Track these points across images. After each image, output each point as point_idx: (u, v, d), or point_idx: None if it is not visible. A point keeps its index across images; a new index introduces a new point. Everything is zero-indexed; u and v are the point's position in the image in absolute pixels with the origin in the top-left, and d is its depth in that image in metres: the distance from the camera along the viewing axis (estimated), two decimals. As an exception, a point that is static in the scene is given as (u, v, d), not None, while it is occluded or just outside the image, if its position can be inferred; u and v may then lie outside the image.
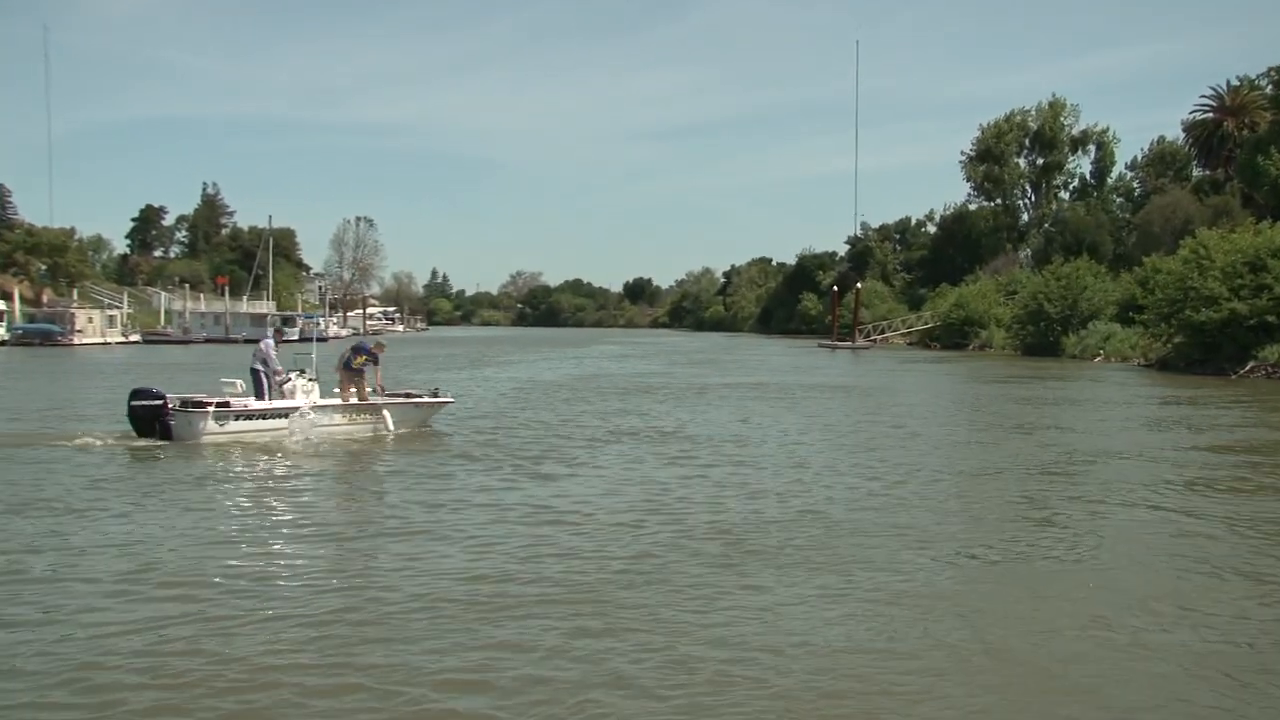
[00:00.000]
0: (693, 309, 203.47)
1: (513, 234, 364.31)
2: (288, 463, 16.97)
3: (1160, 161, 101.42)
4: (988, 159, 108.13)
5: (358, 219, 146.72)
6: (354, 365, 21.06)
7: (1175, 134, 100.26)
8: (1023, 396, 32.44)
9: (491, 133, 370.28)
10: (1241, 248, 45.61)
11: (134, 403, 19.04)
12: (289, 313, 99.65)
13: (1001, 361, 59.98)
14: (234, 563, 10.08)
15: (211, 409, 18.84)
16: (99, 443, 18.48)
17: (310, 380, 20.63)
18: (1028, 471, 16.53)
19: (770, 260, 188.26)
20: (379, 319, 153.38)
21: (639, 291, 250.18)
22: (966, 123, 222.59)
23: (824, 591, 9.31)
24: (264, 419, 19.55)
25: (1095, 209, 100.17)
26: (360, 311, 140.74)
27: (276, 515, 12.57)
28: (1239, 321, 43.53)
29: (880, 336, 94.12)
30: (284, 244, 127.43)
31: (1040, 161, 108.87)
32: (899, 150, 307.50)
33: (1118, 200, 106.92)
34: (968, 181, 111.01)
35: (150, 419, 18.84)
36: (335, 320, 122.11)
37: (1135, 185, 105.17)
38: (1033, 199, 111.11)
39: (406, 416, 21.45)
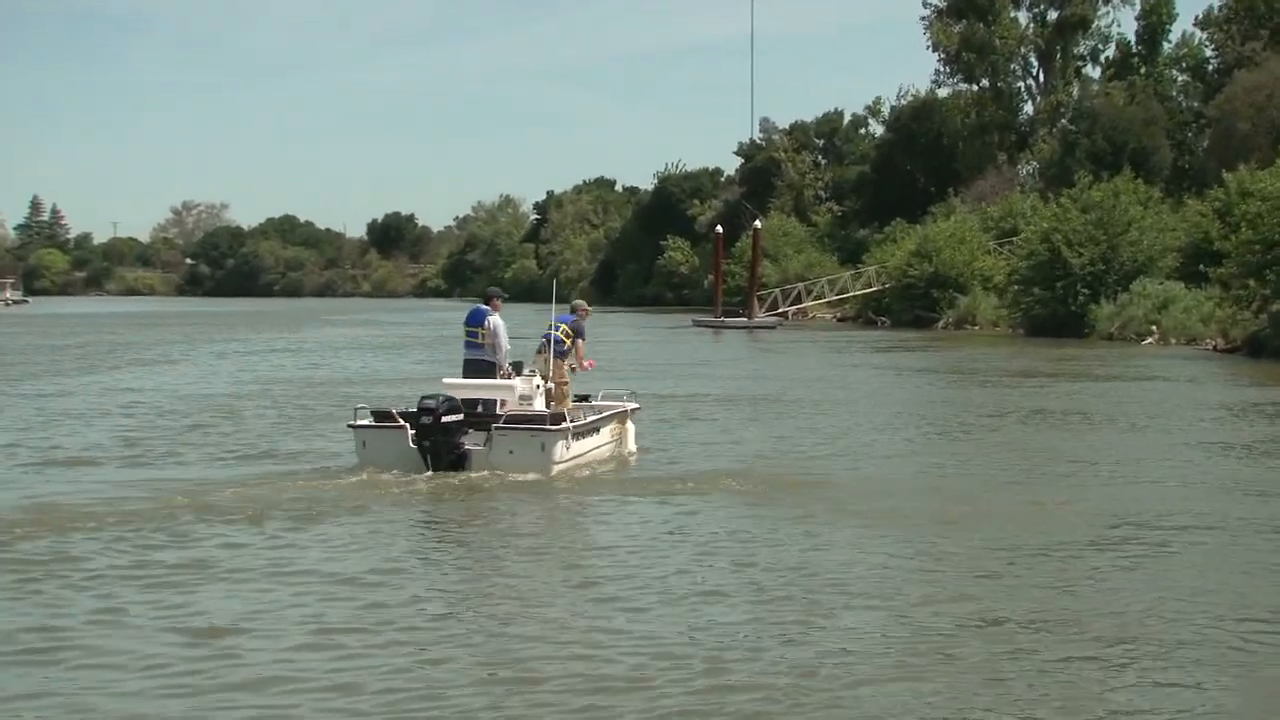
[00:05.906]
0: (485, 265, 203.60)
1: (176, 140, 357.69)
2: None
3: (1249, 14, 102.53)
4: (966, 14, 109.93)
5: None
6: (564, 349, 23.37)
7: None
8: (1039, 410, 32.22)
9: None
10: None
11: (443, 419, 20.06)
12: None
13: (995, 347, 60.91)
14: None
15: (569, 426, 20.97)
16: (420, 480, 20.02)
17: (539, 383, 22.61)
18: (1074, 553, 15.76)
19: (613, 184, 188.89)
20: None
21: (395, 237, 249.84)
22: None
23: None
24: (596, 434, 22.55)
25: (1143, 94, 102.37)
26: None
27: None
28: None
29: (795, 308, 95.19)
30: None
31: (1053, 16, 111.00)
32: (822, 4, 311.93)
33: (1180, 80, 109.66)
34: (935, 52, 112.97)
35: (449, 444, 20.37)
36: None
37: (1208, 53, 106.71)
38: (1041, 79, 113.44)
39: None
